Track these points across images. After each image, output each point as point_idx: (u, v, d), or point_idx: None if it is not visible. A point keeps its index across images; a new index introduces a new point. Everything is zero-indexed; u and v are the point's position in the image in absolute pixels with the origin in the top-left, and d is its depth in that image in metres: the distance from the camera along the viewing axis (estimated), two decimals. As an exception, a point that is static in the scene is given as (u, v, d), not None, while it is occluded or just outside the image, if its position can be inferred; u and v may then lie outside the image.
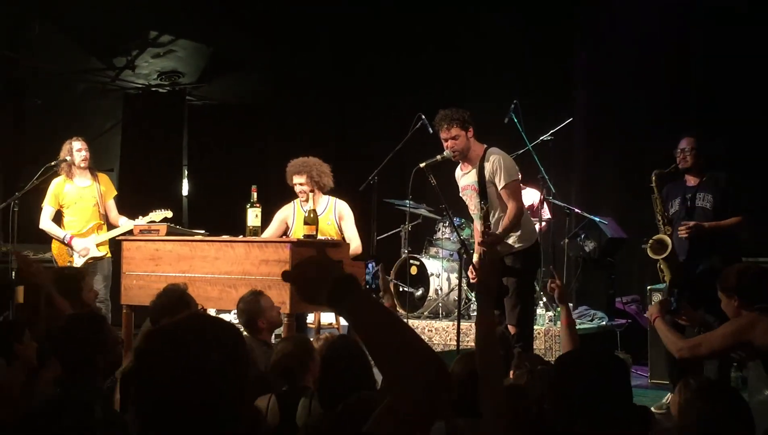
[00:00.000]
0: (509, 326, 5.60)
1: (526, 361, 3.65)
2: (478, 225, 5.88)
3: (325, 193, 6.46)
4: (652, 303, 6.06)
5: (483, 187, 5.68)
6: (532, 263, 5.91)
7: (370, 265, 8.56)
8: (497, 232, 5.63)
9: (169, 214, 7.08)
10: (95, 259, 7.08)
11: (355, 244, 6.34)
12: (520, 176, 5.85)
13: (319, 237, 5.97)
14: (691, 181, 5.99)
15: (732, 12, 8.02)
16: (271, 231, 6.36)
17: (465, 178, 5.86)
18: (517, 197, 5.66)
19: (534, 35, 8.98)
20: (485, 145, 5.79)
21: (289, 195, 6.60)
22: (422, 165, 5.66)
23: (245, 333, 4.78)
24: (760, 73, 8.02)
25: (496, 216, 5.72)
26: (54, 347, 3.36)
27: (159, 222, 6.71)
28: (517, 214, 5.60)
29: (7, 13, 7.87)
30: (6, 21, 7.96)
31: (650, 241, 5.99)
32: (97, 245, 7.11)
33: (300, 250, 5.47)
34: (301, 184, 6.34)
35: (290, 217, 6.52)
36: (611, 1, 8.89)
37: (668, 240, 5.85)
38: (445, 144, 5.73)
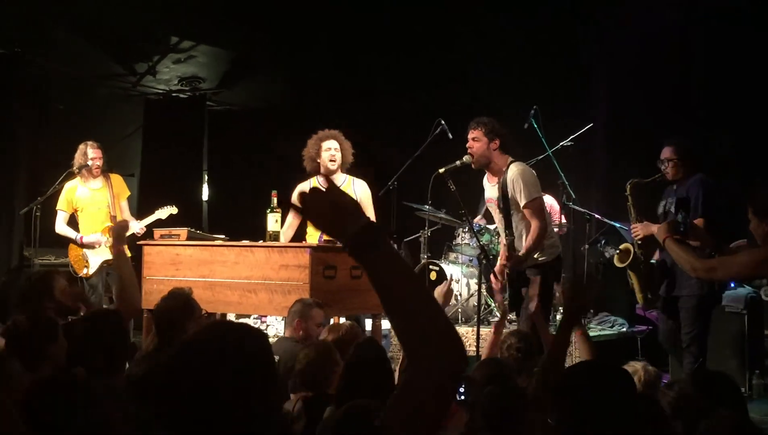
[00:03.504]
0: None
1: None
2: (503, 238, 5.87)
3: (343, 172, 6.44)
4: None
5: (506, 203, 5.66)
6: (551, 276, 5.87)
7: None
8: (521, 253, 5.62)
9: (174, 210, 7.13)
10: (108, 262, 7.09)
11: None
12: (541, 193, 5.82)
13: None
14: (674, 187, 5.92)
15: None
16: (291, 217, 6.31)
17: (489, 190, 5.88)
18: (540, 216, 5.62)
19: (553, 40, 8.93)
20: (510, 158, 5.76)
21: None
22: (441, 170, 5.66)
23: (286, 333, 4.83)
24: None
25: (518, 230, 5.71)
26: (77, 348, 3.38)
27: (167, 220, 6.78)
28: (540, 234, 5.58)
29: (31, 18, 7.93)
30: (30, 26, 8.02)
31: (617, 251, 6.07)
32: (109, 247, 7.14)
33: (320, 254, 5.47)
34: (334, 150, 6.31)
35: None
36: (628, 4, 8.81)
37: (631, 248, 5.86)
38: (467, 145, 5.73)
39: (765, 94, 7.85)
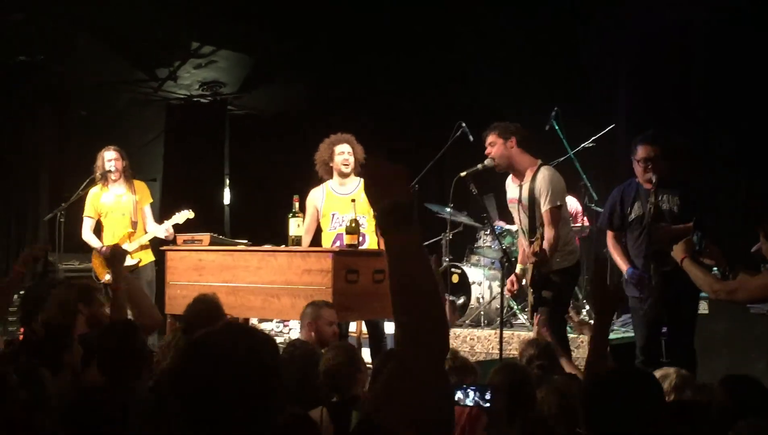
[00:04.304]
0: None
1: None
2: (523, 240, 5.84)
3: (356, 175, 6.45)
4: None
5: (533, 205, 5.64)
6: (569, 281, 5.87)
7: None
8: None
9: (191, 214, 7.15)
10: (129, 268, 7.11)
11: None
12: (565, 202, 5.79)
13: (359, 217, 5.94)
14: (649, 184, 5.54)
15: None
16: (308, 221, 6.29)
17: (514, 190, 5.83)
18: (557, 225, 5.57)
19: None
20: (539, 161, 5.74)
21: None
22: (463, 174, 5.66)
23: (300, 336, 4.83)
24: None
25: (541, 231, 5.69)
26: (92, 355, 3.41)
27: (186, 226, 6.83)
28: (555, 242, 5.56)
29: (52, 26, 7.99)
30: (52, 33, 8.08)
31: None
32: (130, 254, 7.15)
33: (342, 259, 5.48)
34: (347, 153, 6.31)
35: (318, 199, 6.42)
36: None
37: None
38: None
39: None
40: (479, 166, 5.70)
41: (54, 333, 3.53)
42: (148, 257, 7.27)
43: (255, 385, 1.69)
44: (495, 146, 5.66)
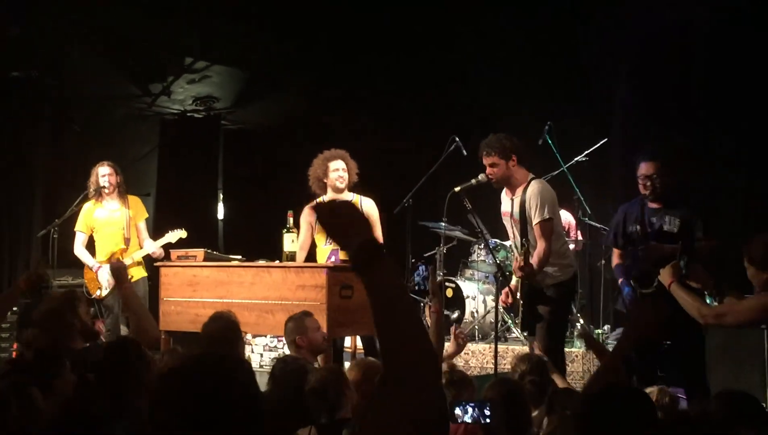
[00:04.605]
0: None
1: (563, 401, 3.61)
2: (517, 254, 5.84)
3: (349, 190, 6.46)
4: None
5: (524, 217, 5.64)
6: (565, 294, 5.84)
7: (420, 268, 8.60)
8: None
9: (183, 234, 7.15)
10: None
11: None
12: (557, 215, 5.77)
13: None
14: (654, 204, 5.54)
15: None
16: (302, 237, 6.29)
17: (506, 204, 5.83)
18: (547, 237, 5.56)
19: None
20: (531, 175, 5.74)
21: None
22: (457, 189, 5.66)
23: (289, 352, 4.82)
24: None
25: (534, 244, 5.69)
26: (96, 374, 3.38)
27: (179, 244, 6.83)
28: (545, 256, 5.55)
29: (47, 41, 8.01)
30: (46, 49, 8.10)
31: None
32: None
33: (336, 274, 5.48)
34: (342, 170, 6.33)
35: (312, 215, 6.37)
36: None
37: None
38: (487, 169, 5.71)
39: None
40: (473, 181, 5.70)
41: (43, 359, 3.47)
42: (140, 273, 7.25)
43: (228, 414, 1.69)
44: (497, 167, 5.63)
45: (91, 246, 7.33)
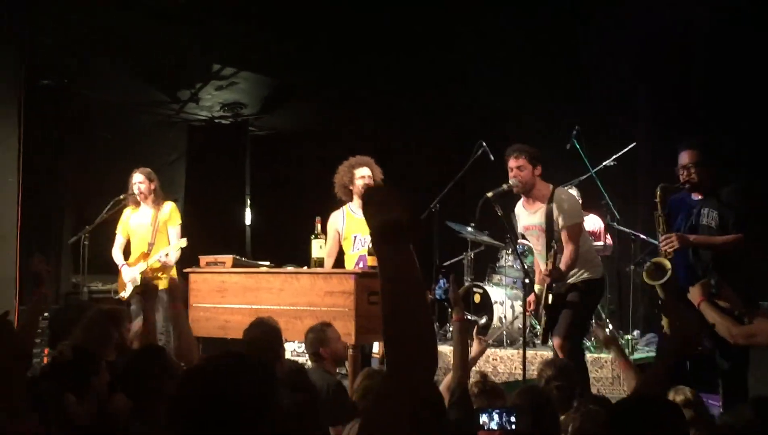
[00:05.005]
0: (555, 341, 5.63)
1: (589, 403, 3.58)
2: (541, 264, 5.83)
3: None
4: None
5: (550, 227, 5.66)
6: (594, 291, 5.85)
7: (441, 281, 8.59)
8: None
9: (183, 243, 7.16)
10: (138, 289, 7.14)
11: None
12: (583, 219, 5.81)
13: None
14: (697, 195, 5.42)
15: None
16: (329, 245, 6.32)
17: (530, 217, 5.85)
18: (575, 241, 5.62)
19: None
20: (551, 185, 5.78)
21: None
22: (489, 194, 5.65)
23: (310, 363, 4.84)
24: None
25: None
26: (121, 381, 3.43)
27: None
28: (573, 259, 5.59)
29: (76, 50, 8.09)
30: (75, 58, 8.18)
31: (648, 263, 5.38)
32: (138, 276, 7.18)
33: (364, 280, 5.48)
34: (368, 177, 6.34)
35: (339, 222, 6.45)
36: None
37: (668, 264, 5.19)
38: (510, 173, 5.72)
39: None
40: (504, 186, 5.72)
41: (83, 357, 3.55)
42: (166, 282, 7.27)
43: (246, 415, 1.71)
44: (524, 171, 5.68)
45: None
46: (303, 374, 3.78)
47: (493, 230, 8.28)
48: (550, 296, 5.66)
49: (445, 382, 4.19)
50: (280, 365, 4.03)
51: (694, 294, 4.09)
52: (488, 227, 8.27)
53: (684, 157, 5.35)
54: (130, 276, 7.19)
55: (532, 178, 5.70)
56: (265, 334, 4.41)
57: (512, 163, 5.72)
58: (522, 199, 5.90)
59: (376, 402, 1.76)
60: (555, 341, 5.62)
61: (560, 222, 5.62)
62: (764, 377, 5.55)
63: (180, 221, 7.40)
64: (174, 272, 7.29)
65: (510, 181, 5.70)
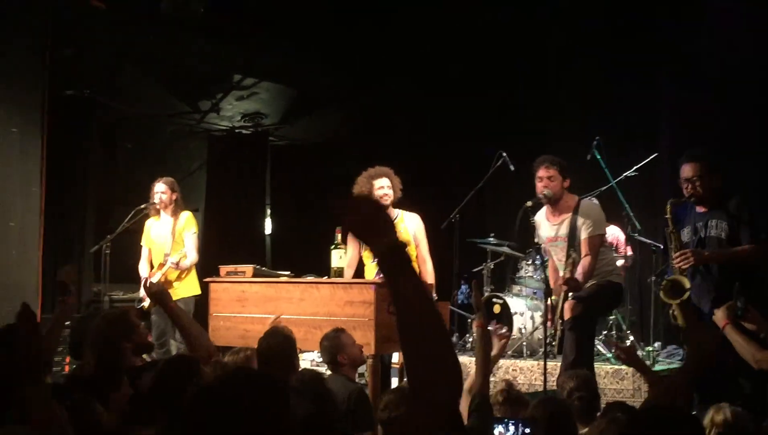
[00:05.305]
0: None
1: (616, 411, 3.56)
2: (561, 274, 5.82)
3: (393, 206, 6.48)
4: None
5: (572, 238, 5.68)
6: (613, 289, 5.88)
7: (463, 287, 8.57)
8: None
9: (183, 253, 7.18)
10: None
11: (429, 265, 6.43)
12: (605, 232, 5.84)
13: None
14: (701, 208, 5.27)
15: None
16: (350, 255, 6.33)
17: (553, 228, 5.86)
18: (594, 253, 5.63)
19: (618, 69, 8.82)
20: (577, 197, 5.81)
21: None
22: (529, 204, 5.64)
23: (329, 372, 4.84)
24: None
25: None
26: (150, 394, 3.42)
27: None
28: (591, 269, 5.60)
29: (98, 62, 8.17)
30: (98, 69, 8.26)
31: (665, 281, 5.20)
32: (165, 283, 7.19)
33: (384, 290, 5.47)
34: (387, 187, 6.36)
35: None
36: (697, 30, 8.60)
37: (687, 283, 5.02)
38: (539, 183, 5.71)
39: None
40: (540, 196, 5.73)
41: (103, 371, 3.54)
42: (186, 291, 7.30)
43: (258, 431, 1.71)
44: (555, 181, 5.70)
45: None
46: (321, 383, 3.78)
47: (515, 240, 8.26)
48: (566, 307, 5.64)
49: (465, 386, 4.18)
50: (294, 375, 4.03)
51: (719, 317, 4.05)
52: (508, 237, 8.25)
53: (686, 171, 5.22)
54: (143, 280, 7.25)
55: (561, 189, 5.72)
56: (279, 343, 4.43)
57: (542, 172, 5.71)
58: (545, 210, 5.89)
59: (400, 423, 1.76)
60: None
61: (583, 231, 5.63)
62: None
63: (195, 230, 7.44)
64: (196, 285, 7.30)
65: (545, 192, 5.70)
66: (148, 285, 5.37)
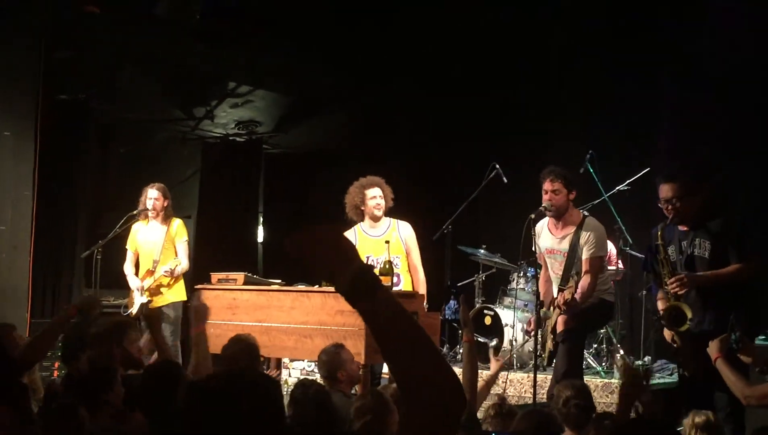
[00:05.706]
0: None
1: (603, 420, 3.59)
2: (555, 287, 5.83)
3: (385, 215, 6.49)
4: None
5: (573, 254, 5.69)
6: (604, 307, 5.92)
7: (452, 302, 8.57)
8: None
9: (177, 262, 7.17)
10: (146, 305, 7.17)
11: (421, 274, 6.41)
12: (606, 253, 5.88)
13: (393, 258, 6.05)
14: (683, 227, 5.13)
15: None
16: None
17: (555, 241, 5.86)
18: (595, 273, 5.65)
19: (619, 69, 8.83)
20: (584, 213, 5.82)
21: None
22: (533, 216, 5.65)
23: (329, 387, 4.82)
24: None
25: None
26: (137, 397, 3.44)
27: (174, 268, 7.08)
28: (590, 291, 5.62)
29: (93, 66, 8.16)
30: (93, 73, 8.24)
31: (665, 309, 5.04)
32: (145, 291, 7.22)
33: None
34: (379, 197, 6.38)
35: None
36: (699, 30, 8.56)
37: (688, 312, 4.88)
38: (544, 195, 5.70)
39: None
40: (542, 208, 5.72)
41: (98, 371, 3.58)
42: (175, 296, 7.29)
43: (252, 430, 1.68)
44: (560, 195, 5.69)
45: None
46: (326, 396, 3.81)
47: (505, 253, 8.27)
48: (559, 319, 5.65)
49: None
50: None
51: (712, 349, 4.06)
52: (501, 250, 8.26)
53: (664, 191, 5.06)
54: (136, 288, 7.24)
55: (566, 202, 5.71)
56: (242, 350, 4.46)
57: (548, 186, 5.69)
58: (548, 221, 5.89)
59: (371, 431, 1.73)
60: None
61: (585, 251, 5.63)
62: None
63: (187, 237, 7.46)
64: (183, 291, 7.30)
65: (543, 204, 5.69)
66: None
